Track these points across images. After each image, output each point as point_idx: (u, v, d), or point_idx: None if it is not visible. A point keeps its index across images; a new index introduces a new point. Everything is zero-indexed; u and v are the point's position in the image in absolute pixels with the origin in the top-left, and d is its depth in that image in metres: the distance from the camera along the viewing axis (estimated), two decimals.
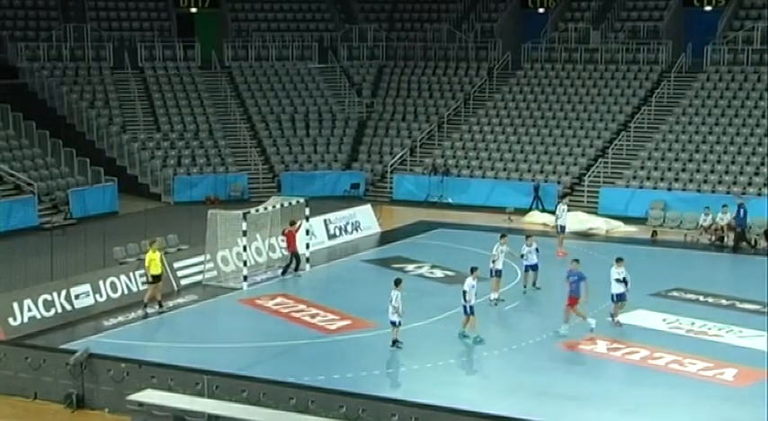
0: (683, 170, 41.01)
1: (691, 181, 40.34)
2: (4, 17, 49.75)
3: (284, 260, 31.59)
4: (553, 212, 36.05)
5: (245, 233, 29.22)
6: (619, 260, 25.41)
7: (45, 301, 25.25)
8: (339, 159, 46.87)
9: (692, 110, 44.03)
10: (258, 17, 54.38)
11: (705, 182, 40.09)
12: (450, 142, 46.46)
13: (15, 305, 24.65)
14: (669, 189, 40.15)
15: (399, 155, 46.29)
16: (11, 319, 24.39)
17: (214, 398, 18.92)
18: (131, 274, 27.46)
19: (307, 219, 31.58)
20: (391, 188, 45.09)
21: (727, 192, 37.99)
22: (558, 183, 42.28)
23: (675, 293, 28.53)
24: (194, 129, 46.88)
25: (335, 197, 43.08)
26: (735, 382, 21.53)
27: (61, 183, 40.07)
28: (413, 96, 50.13)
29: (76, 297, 26.03)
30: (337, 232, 35.63)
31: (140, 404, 18.35)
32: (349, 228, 36.17)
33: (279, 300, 27.99)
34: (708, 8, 49.81)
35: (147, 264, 26.47)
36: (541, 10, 53.25)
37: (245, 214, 29.36)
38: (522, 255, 28.27)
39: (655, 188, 40.38)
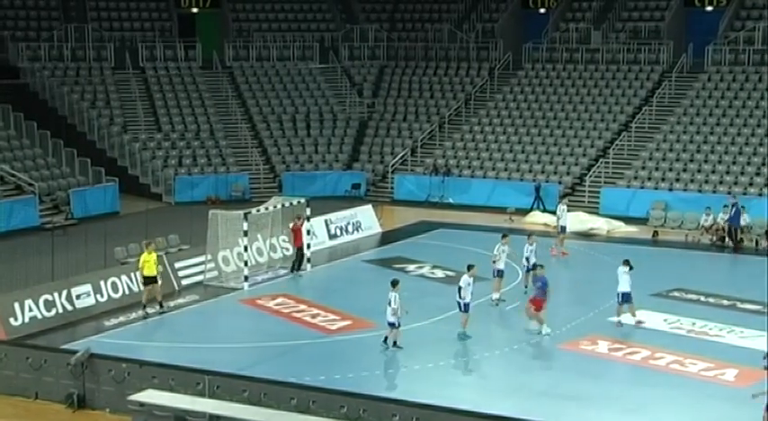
0: (685, 170, 41.00)
1: (692, 181, 40.33)
2: (5, 17, 49.76)
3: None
4: (554, 212, 36.06)
5: (246, 233, 29.23)
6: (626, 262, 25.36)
7: (46, 301, 25.25)
8: (340, 159, 46.87)
9: (693, 110, 44.02)
10: (259, 17, 54.38)
11: (706, 182, 40.08)
12: (451, 142, 46.46)
13: (16, 305, 24.65)
14: (670, 189, 40.14)
15: (400, 155, 46.29)
16: (12, 319, 24.39)
17: (215, 398, 18.91)
18: (132, 275, 27.42)
19: (308, 219, 31.58)
20: (392, 188, 45.09)
21: (728, 193, 37.97)
22: (560, 183, 42.28)
23: (677, 293, 28.52)
24: (195, 129, 46.88)
25: (336, 197, 43.08)
26: (736, 383, 21.52)
27: (62, 184, 40.08)
28: (414, 96, 50.13)
29: (77, 297, 26.04)
30: (338, 232, 35.63)
31: (141, 404, 18.37)
32: (350, 229, 36.18)
33: (280, 300, 27.99)
34: (709, 8, 49.77)
35: (140, 265, 26.44)
36: (542, 10, 53.22)
37: (246, 214, 29.37)
38: (526, 258, 28.28)
39: (656, 188, 40.37)
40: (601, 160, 42.91)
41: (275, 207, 31.68)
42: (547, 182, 42.24)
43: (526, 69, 49.31)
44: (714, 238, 35.41)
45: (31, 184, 38.42)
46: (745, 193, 38.16)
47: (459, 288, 24.08)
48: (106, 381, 20.12)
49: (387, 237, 36.58)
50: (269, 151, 46.83)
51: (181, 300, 27.85)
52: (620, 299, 25.24)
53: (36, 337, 24.06)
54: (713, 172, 40.54)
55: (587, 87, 47.35)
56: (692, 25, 50.05)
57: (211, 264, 29.76)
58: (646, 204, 39.37)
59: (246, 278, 29.28)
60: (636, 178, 41.16)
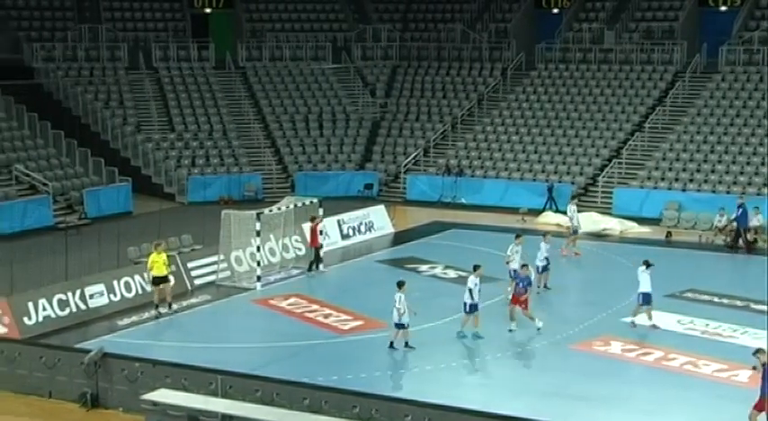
0: (698, 171, 40.88)
1: (705, 181, 40.20)
2: (19, 18, 49.96)
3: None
4: (566, 213, 35.97)
5: (258, 233, 29.30)
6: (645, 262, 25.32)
7: (60, 301, 25.35)
8: (353, 159, 46.90)
9: (706, 110, 43.89)
10: (272, 17, 54.46)
11: (720, 182, 39.95)
12: (463, 142, 46.43)
13: (30, 304, 24.75)
14: (684, 190, 40.02)
15: (413, 155, 46.28)
16: (26, 319, 24.49)
17: (228, 397, 18.93)
18: (145, 274, 27.49)
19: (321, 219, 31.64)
20: (405, 188, 45.07)
21: (742, 193, 37.83)
22: (572, 183, 42.20)
23: (690, 294, 28.45)
24: (208, 129, 46.98)
25: (349, 197, 43.10)
26: (749, 384, 21.39)
27: (76, 183, 40.21)
28: (426, 96, 50.12)
29: (91, 296, 26.13)
30: (351, 232, 35.66)
31: (154, 403, 18.41)
32: (362, 229, 36.19)
33: (292, 300, 28.02)
34: (723, 8, 49.66)
35: (149, 265, 26.50)
36: (555, 10, 53.18)
37: (258, 214, 29.42)
38: (545, 257, 28.26)
39: (669, 189, 40.25)
40: (614, 160, 42.82)
41: (288, 207, 31.72)
42: (560, 182, 42.16)
43: (539, 69, 49.25)
44: (728, 239, 35.28)
45: (45, 184, 38.55)
46: (758, 194, 38.01)
47: (470, 289, 24.05)
48: (119, 381, 20.17)
49: (399, 238, 36.58)
50: (282, 151, 46.89)
51: (193, 300, 27.91)
52: (640, 300, 25.13)
53: (50, 337, 24.15)
54: (727, 172, 40.41)
55: (600, 87, 47.26)
56: (705, 25, 49.91)
57: (224, 264, 29.82)
58: (659, 205, 39.27)
59: (259, 278, 29.34)
60: (649, 178, 41.06)
